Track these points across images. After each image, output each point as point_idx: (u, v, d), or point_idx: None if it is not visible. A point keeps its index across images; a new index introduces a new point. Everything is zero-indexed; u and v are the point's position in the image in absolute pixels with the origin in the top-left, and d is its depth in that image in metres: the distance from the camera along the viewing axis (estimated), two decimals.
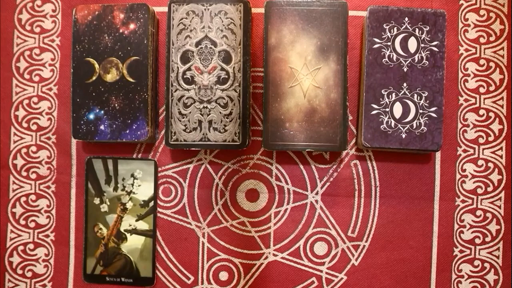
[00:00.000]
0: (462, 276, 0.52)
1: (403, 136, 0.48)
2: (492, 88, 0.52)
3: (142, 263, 0.53)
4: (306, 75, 0.49)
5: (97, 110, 0.50)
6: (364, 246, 0.52)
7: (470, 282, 0.52)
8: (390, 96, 0.49)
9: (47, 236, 0.54)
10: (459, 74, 0.52)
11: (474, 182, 0.52)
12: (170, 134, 0.50)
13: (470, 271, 0.52)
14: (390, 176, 0.52)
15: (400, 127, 0.48)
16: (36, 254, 0.54)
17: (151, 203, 0.53)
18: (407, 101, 0.48)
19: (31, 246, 0.54)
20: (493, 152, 0.52)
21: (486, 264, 0.52)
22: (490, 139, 0.52)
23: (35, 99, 0.54)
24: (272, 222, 0.53)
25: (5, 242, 0.54)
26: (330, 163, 0.53)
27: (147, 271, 0.53)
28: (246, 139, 0.49)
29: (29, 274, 0.54)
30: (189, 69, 0.49)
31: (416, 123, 0.48)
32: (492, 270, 0.52)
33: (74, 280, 0.53)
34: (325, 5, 0.49)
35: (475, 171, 0.52)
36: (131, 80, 0.50)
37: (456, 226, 0.52)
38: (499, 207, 0.52)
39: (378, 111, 0.49)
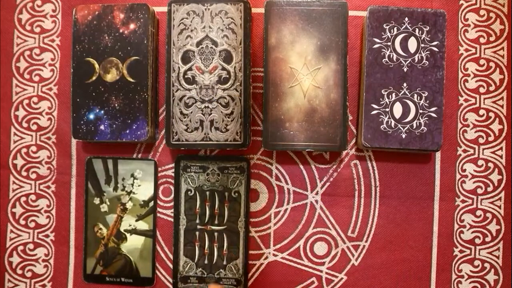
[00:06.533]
0: (462, 276, 0.52)
1: (403, 136, 0.48)
2: (492, 88, 0.52)
3: (142, 263, 0.53)
4: (306, 75, 0.49)
5: (97, 110, 0.50)
6: (364, 246, 0.52)
7: (470, 282, 0.52)
8: (390, 96, 0.49)
9: (47, 236, 0.54)
10: (459, 74, 0.52)
11: (474, 182, 0.52)
12: (171, 134, 0.50)
13: (470, 271, 0.52)
14: (390, 176, 0.52)
15: (400, 127, 0.48)
16: (36, 254, 0.54)
17: (151, 203, 0.53)
18: (407, 101, 0.49)
19: (31, 246, 0.54)
20: (493, 152, 0.52)
21: (486, 264, 0.52)
22: (490, 139, 0.52)
23: (35, 99, 0.54)
24: (272, 222, 0.53)
25: (5, 242, 0.54)
26: (330, 163, 0.53)
27: (147, 271, 0.53)
28: (247, 138, 0.49)
29: (29, 274, 0.54)
30: (190, 69, 0.49)
31: (416, 123, 0.48)
32: (492, 270, 0.52)
33: (74, 280, 0.53)
34: (325, 5, 0.49)
35: (475, 171, 0.52)
36: (131, 80, 0.50)
37: (456, 226, 0.52)
38: (499, 207, 0.52)
39: (378, 111, 0.49)
